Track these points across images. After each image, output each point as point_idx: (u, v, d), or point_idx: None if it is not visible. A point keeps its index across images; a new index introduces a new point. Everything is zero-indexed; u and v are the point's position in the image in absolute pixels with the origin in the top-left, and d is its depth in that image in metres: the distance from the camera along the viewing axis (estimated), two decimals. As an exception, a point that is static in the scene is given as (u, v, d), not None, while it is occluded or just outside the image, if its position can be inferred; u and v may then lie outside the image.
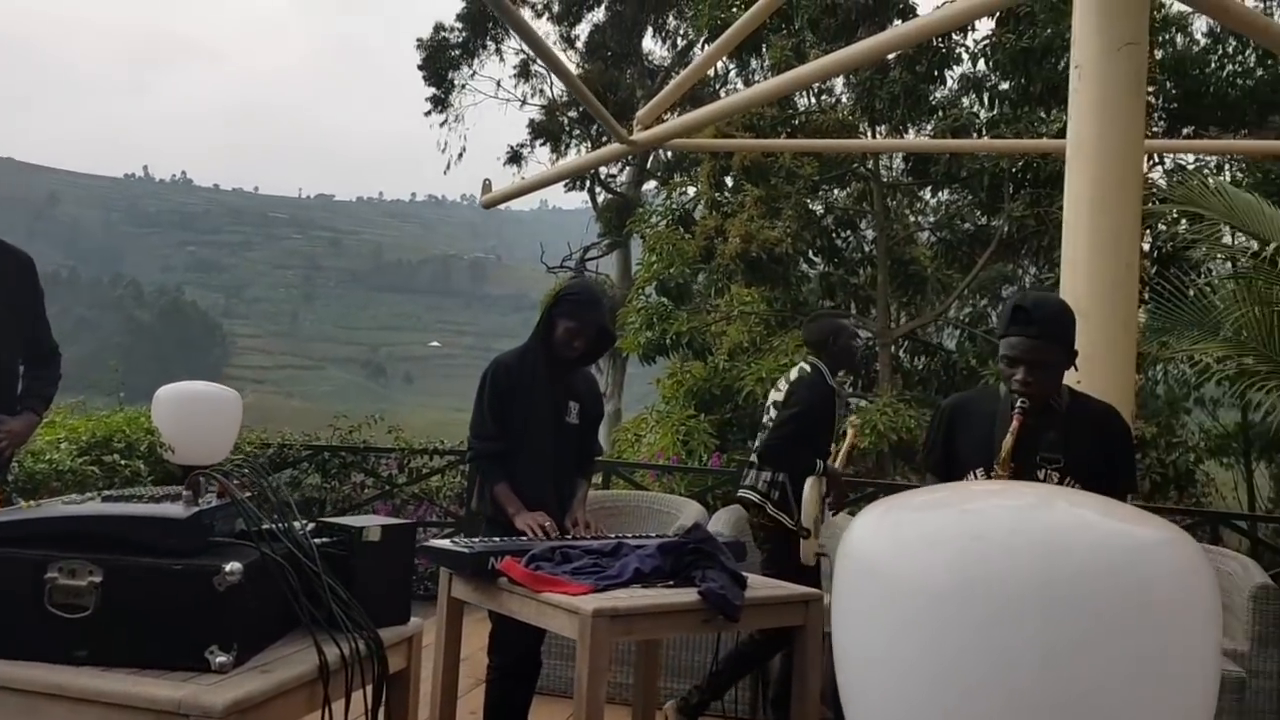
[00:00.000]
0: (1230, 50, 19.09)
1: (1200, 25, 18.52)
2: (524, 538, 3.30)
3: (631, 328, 11.06)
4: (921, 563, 0.95)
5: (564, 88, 22.92)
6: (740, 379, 9.72)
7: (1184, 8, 17.36)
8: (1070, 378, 3.33)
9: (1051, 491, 1.06)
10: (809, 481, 4.15)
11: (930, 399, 10.28)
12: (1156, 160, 12.74)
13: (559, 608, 2.73)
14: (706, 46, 13.26)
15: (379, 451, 7.65)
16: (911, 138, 11.33)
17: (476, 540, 3.23)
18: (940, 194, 12.69)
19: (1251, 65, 18.62)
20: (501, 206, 8.71)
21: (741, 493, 4.37)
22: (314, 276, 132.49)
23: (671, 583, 2.94)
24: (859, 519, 1.06)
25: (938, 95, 11.43)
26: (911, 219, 13.04)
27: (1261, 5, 23.91)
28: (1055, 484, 2.61)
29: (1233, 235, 8.42)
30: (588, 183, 24.29)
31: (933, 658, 0.93)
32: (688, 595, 2.83)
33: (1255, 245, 7.11)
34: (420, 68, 24.88)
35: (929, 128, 11.28)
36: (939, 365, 11.52)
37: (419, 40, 24.69)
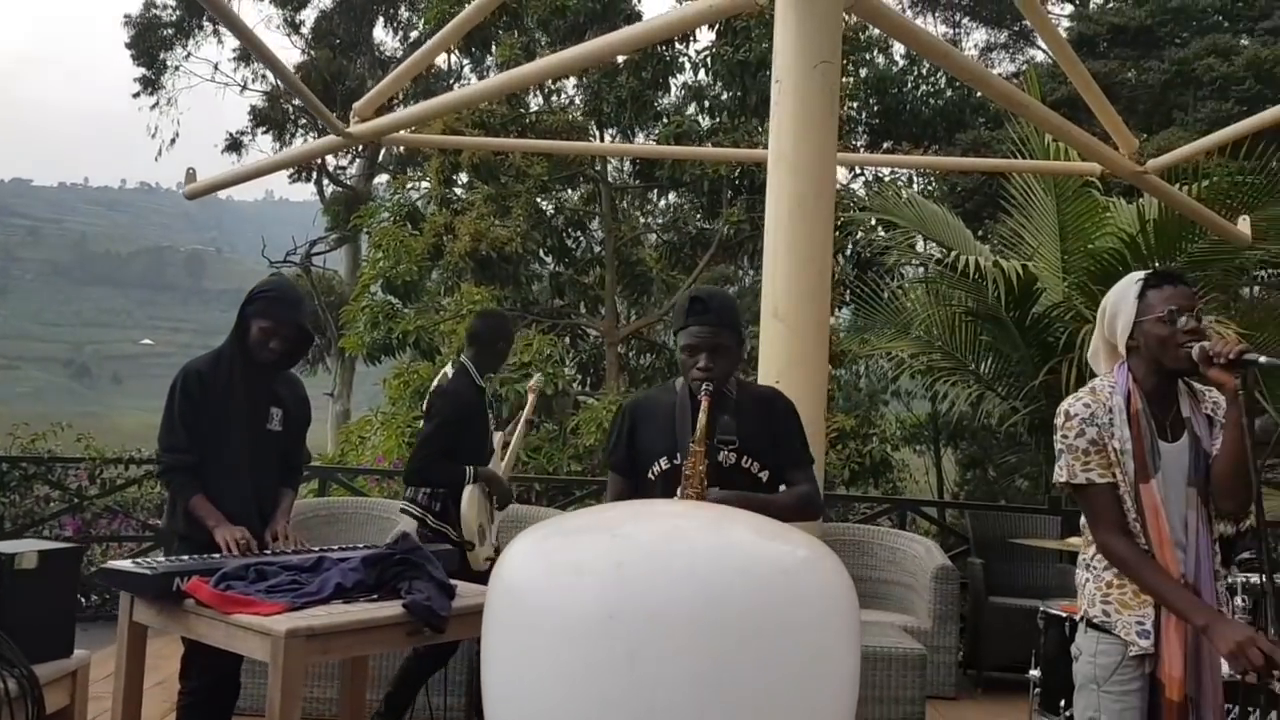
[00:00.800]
0: (924, 71, 20.81)
1: (899, 48, 20.04)
2: (217, 555, 3.09)
3: (355, 327, 10.71)
4: (569, 591, 0.93)
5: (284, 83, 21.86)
6: (471, 379, 9.61)
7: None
8: (769, 379, 3.50)
9: (703, 512, 1.07)
10: (465, 493, 4.14)
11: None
12: (859, 172, 13.72)
13: (249, 629, 2.57)
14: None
15: (65, 461, 7.01)
16: (641, 142, 11.63)
17: (162, 559, 2.99)
18: (668, 197, 13.11)
19: (942, 86, 20.35)
20: (222, 196, 8.33)
21: (402, 507, 4.32)
22: (9, 268, 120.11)
23: (375, 596, 2.84)
24: (513, 545, 1.03)
25: (664, 102, 11.78)
26: (643, 220, 13.37)
27: (951, 32, 26.19)
28: (733, 463, 2.76)
29: (924, 243, 9.19)
30: (315, 174, 23.33)
31: (579, 692, 0.91)
32: (391, 609, 2.75)
33: (939, 252, 7.80)
34: (128, 46, 23.05)
35: (654, 133, 11.62)
36: (663, 363, 11.87)
37: (127, 17, 22.86)
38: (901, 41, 3.94)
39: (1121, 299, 2.66)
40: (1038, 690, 4.29)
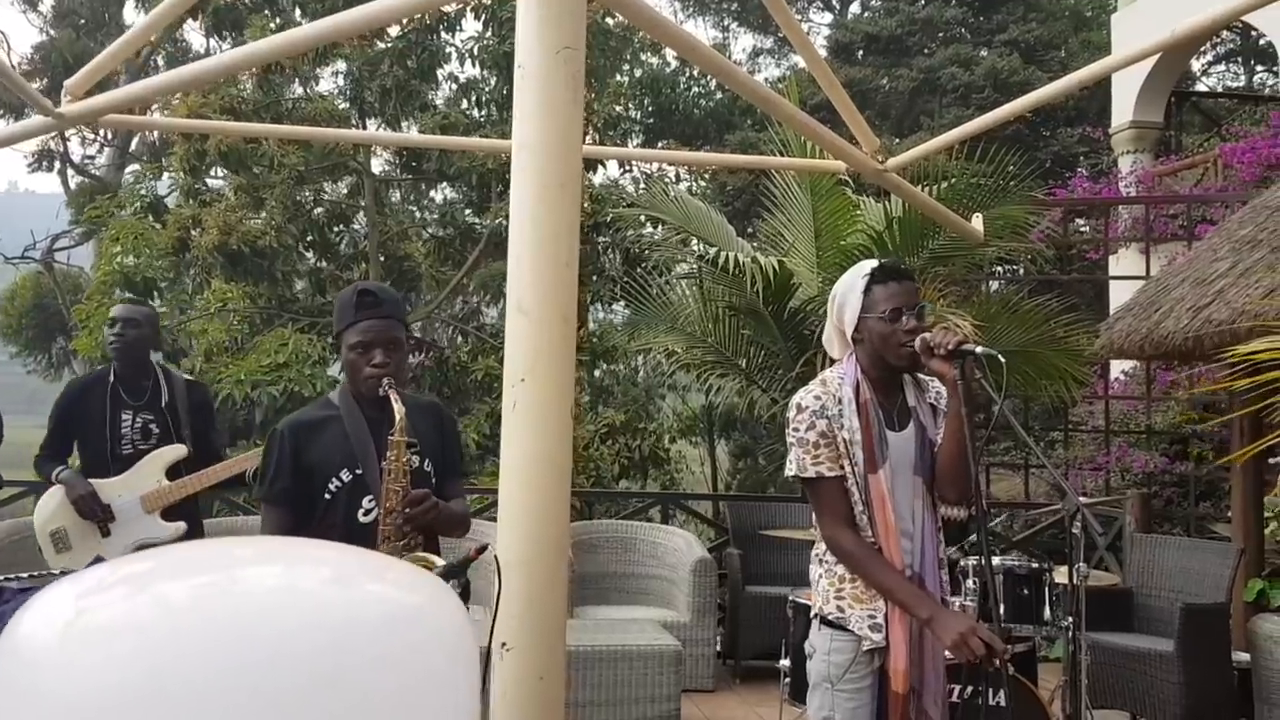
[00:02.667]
0: (695, 73, 21.33)
1: (671, 49, 20.43)
2: None
3: (89, 327, 9.87)
4: (82, 667, 0.75)
5: (22, 54, 20.10)
6: (218, 381, 9.05)
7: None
8: (516, 375, 3.35)
9: (270, 549, 0.91)
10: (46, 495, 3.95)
11: (424, 396, 10.30)
12: (629, 168, 13.83)
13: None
14: (191, 20, 12.23)
15: None
16: (412, 134, 11.27)
17: None
18: (439, 192, 12.80)
19: (713, 89, 20.90)
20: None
21: None
22: None
23: None
24: (33, 604, 0.83)
25: (436, 95, 11.48)
26: (418, 214, 13.00)
27: (721, 36, 26.89)
28: (416, 466, 2.68)
29: (696, 242, 9.34)
30: (58, 163, 21.46)
31: None
32: None
33: (702, 249, 7.92)
34: None
35: (422, 125, 11.29)
36: (433, 362, 11.57)
37: None
38: (648, 31, 3.89)
39: (849, 291, 2.68)
40: (787, 680, 4.37)
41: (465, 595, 2.27)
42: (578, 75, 3.64)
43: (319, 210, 11.31)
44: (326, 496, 2.65)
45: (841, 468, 2.57)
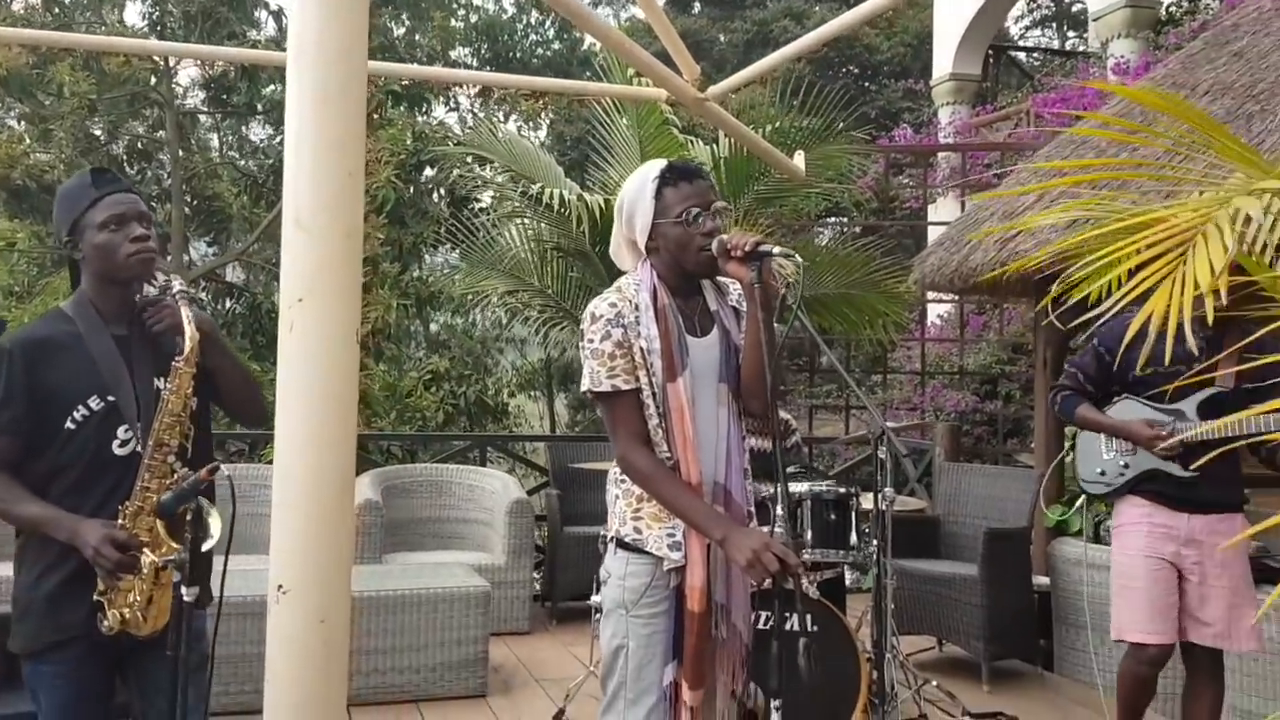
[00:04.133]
0: (533, 21, 20.93)
1: (509, -6, 20.00)
2: None
3: None
4: None
5: None
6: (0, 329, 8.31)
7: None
8: (293, 295, 3.07)
9: None
10: None
11: (236, 344, 9.76)
12: (453, 106, 13.42)
13: None
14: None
15: None
16: (221, 66, 10.54)
17: None
18: (262, 127, 12.09)
19: (550, 37, 20.56)
20: None
21: None
22: None
23: None
24: None
25: (258, 33, 10.80)
26: (231, 154, 12.25)
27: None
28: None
29: (516, 180, 9.10)
30: None
31: None
32: None
33: (534, 189, 7.71)
34: None
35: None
36: (245, 307, 10.99)
37: None
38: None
39: (638, 198, 2.50)
40: (599, 616, 4.27)
41: (199, 522, 2.02)
42: (362, -25, 3.36)
43: (116, 146, 10.51)
44: (70, 426, 2.32)
45: (638, 379, 2.41)
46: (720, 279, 2.59)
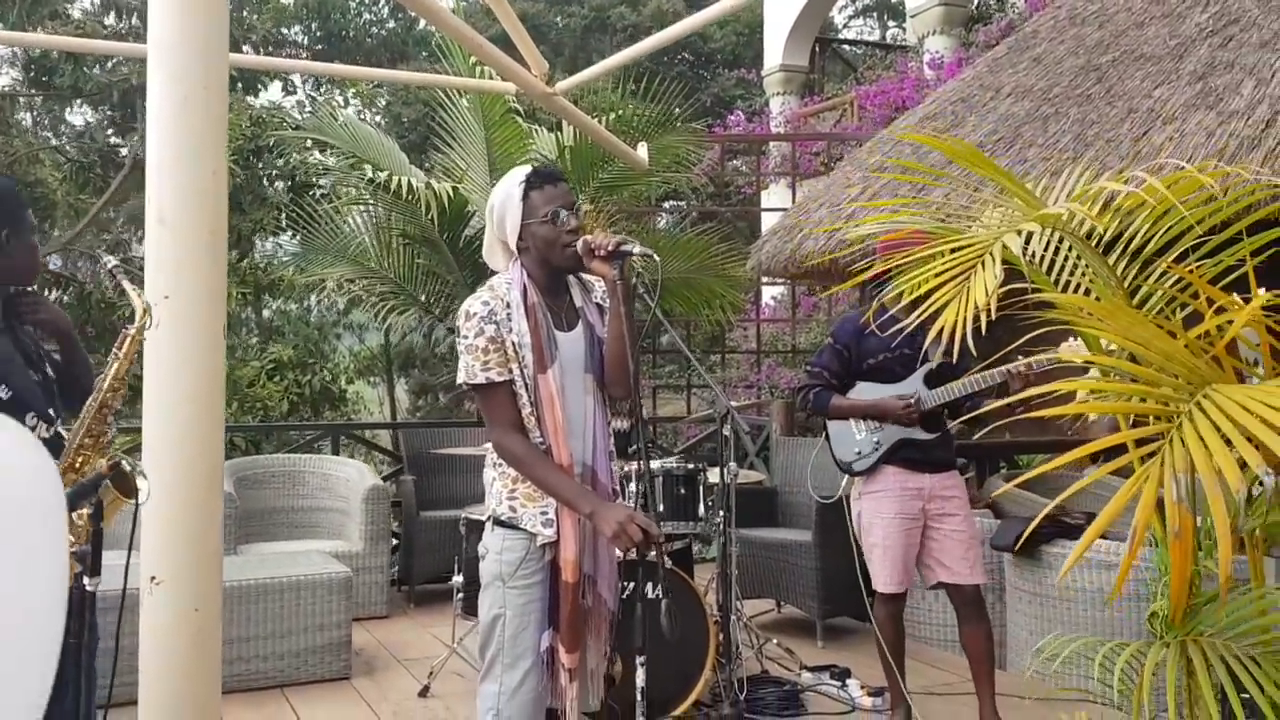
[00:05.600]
0: (368, 2, 20.53)
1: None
2: None
3: None
4: None
5: None
6: None
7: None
8: (159, 293, 3.16)
9: None
10: None
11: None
12: (291, 89, 13.16)
13: None
14: None
15: None
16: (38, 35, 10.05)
17: None
18: (78, 114, 11.57)
19: (385, 16, 20.19)
20: None
21: None
22: None
23: None
24: None
25: (74, 6, 10.32)
26: (52, 140, 11.67)
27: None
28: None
29: (359, 165, 9.04)
30: None
31: None
32: None
33: (378, 175, 7.72)
34: None
35: (50, 32, 10.13)
36: (73, 298, 10.56)
37: None
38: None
39: (506, 200, 2.70)
40: (460, 596, 4.46)
41: (98, 516, 2.12)
42: (220, -31, 3.41)
43: (-76, 128, 9.92)
44: None
45: (510, 371, 2.61)
46: (585, 276, 2.81)
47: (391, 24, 20.10)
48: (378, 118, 15.32)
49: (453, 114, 8.23)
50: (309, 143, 10.35)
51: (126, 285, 2.46)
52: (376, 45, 18.67)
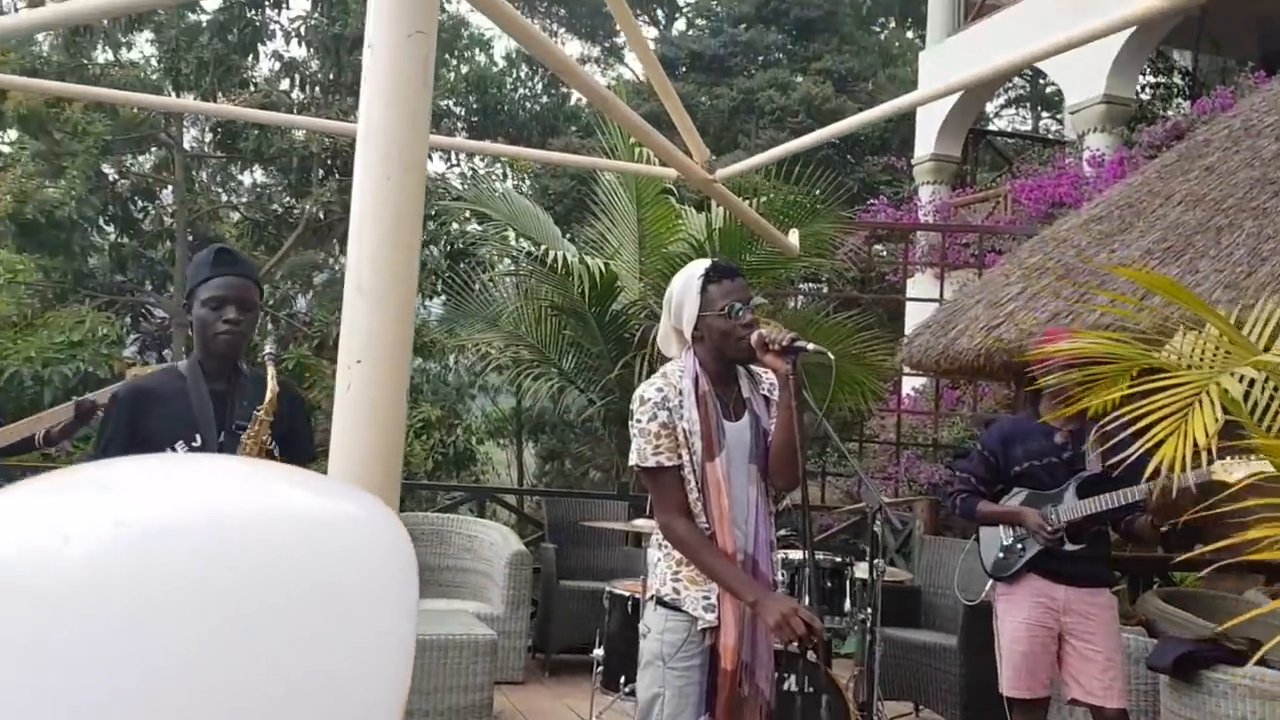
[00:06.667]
0: (523, 75, 21.34)
1: (500, 49, 20.39)
2: None
3: None
4: (45, 556, 0.77)
5: None
6: (4, 357, 8.44)
7: (489, 28, 18.74)
8: (351, 357, 3.32)
9: (229, 464, 0.94)
10: None
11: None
12: (455, 162, 13.75)
13: None
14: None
15: None
16: (240, 108, 10.82)
17: None
18: (253, 173, 12.34)
19: (539, 91, 20.95)
20: None
21: None
22: None
23: None
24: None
25: (256, 71, 11.08)
26: (223, 196, 12.46)
27: (550, 26, 27.02)
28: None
29: (516, 238, 9.38)
30: None
31: (63, 670, 0.75)
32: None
33: (530, 246, 7.99)
34: None
35: (240, 101, 10.88)
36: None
37: None
38: (499, 24, 3.92)
39: (685, 292, 2.80)
40: (600, 669, 4.50)
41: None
42: (428, 60, 3.65)
43: (123, 183, 10.71)
44: None
45: (680, 457, 2.69)
46: (754, 367, 2.89)
47: (545, 99, 20.81)
48: (525, 185, 15.83)
49: (604, 189, 8.48)
50: (467, 212, 10.79)
51: (270, 373, 2.63)
52: (529, 119, 19.31)
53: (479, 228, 10.37)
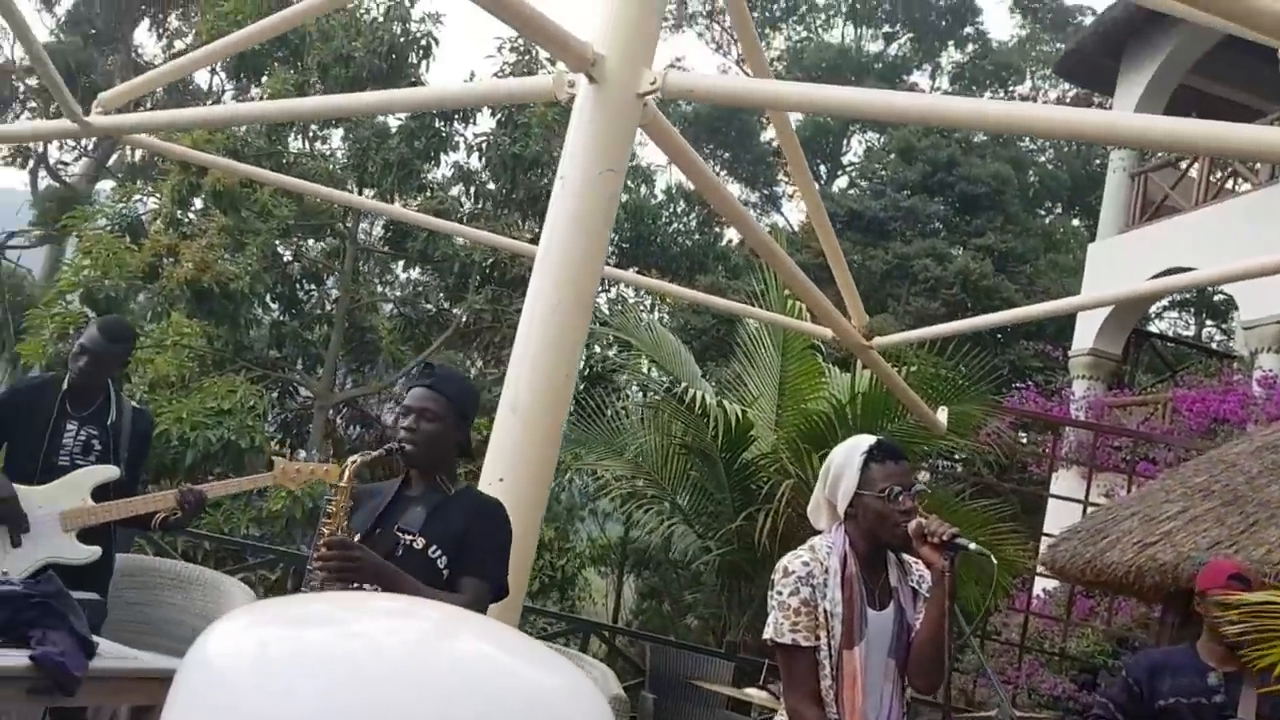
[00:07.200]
0: (679, 210, 21.86)
1: (661, 182, 21.00)
2: None
3: (40, 334, 9.60)
4: (288, 691, 0.76)
5: (11, 44, 20.15)
6: (159, 415, 8.81)
7: (656, 159, 19.33)
8: (495, 473, 3.35)
9: (453, 617, 0.92)
10: None
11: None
12: (605, 287, 13.97)
13: None
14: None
15: None
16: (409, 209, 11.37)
17: None
18: (411, 271, 12.83)
19: (693, 228, 21.41)
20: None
21: None
22: None
23: (0, 640, 2.42)
24: (219, 625, 0.85)
25: (432, 176, 11.63)
26: (380, 288, 12.97)
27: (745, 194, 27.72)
28: (417, 547, 2.71)
29: (653, 369, 9.42)
30: (33, 162, 21.33)
31: None
32: (16, 658, 2.34)
33: (667, 381, 8.00)
34: None
35: (415, 203, 11.40)
36: (373, 438, 11.41)
37: None
38: (680, 166, 4.01)
39: (845, 465, 2.71)
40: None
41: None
42: (614, 197, 3.74)
43: (295, 265, 11.27)
44: None
45: (818, 638, 2.56)
46: (905, 556, 2.75)
47: (697, 236, 21.20)
48: (664, 316, 15.99)
49: (748, 333, 8.46)
50: (610, 337, 10.93)
51: (352, 462, 2.72)
52: (679, 254, 19.60)
53: (619, 354, 10.47)
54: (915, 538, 2.55)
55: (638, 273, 17.46)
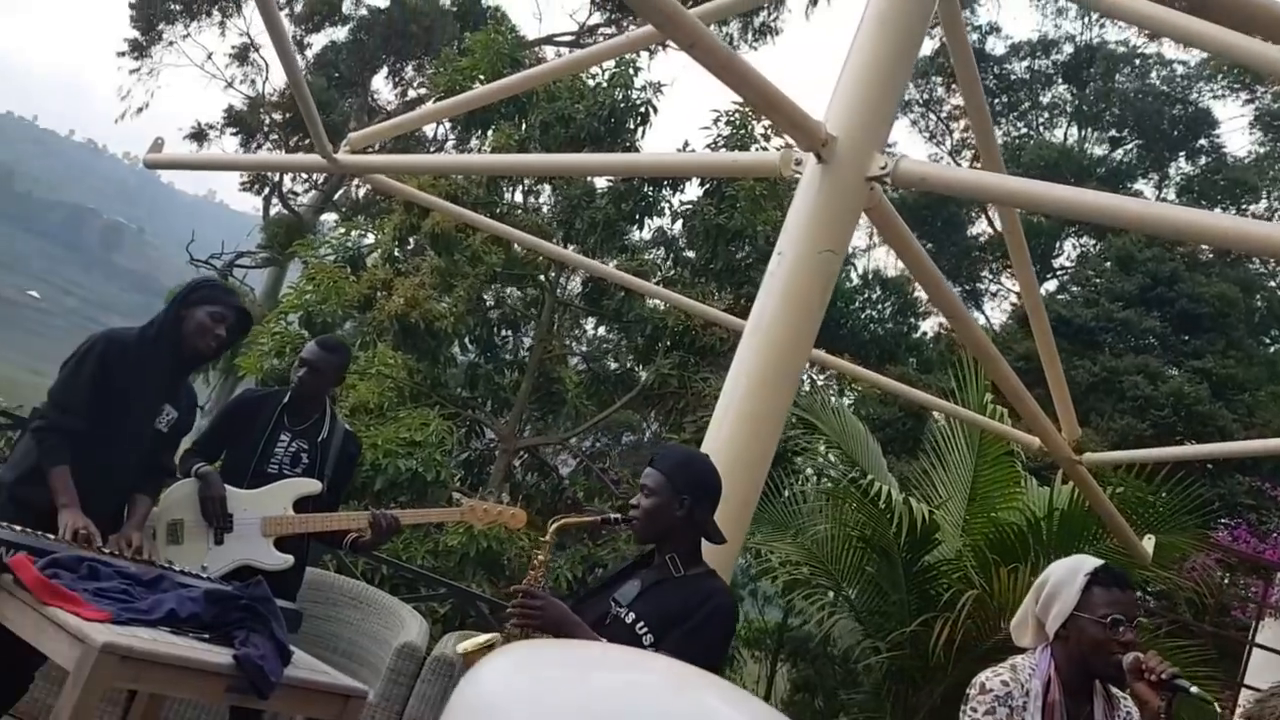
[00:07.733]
0: (874, 298, 21.54)
1: (859, 265, 20.80)
2: (51, 537, 2.76)
3: (260, 348, 10.28)
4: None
5: (275, 87, 21.88)
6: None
7: (857, 242, 19.16)
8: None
9: (679, 670, 0.92)
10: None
11: (530, 517, 10.30)
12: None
13: (63, 629, 2.24)
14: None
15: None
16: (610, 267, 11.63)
17: (-8, 522, 2.66)
18: (600, 329, 13.09)
19: (886, 316, 21.04)
20: (165, 179, 7.96)
21: None
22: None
23: (207, 636, 2.53)
24: (492, 659, 0.85)
25: (633, 238, 11.88)
26: (570, 343, 13.29)
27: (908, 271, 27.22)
28: (625, 620, 2.68)
29: (833, 454, 9.21)
30: (268, 190, 23.04)
31: None
32: (220, 655, 2.44)
33: (850, 469, 7.79)
34: (132, 7, 22.88)
35: (614, 263, 11.64)
36: (549, 487, 11.59)
37: (141, -23, 22.78)
38: (897, 253, 3.94)
39: (1064, 584, 2.56)
40: None
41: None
42: (831, 279, 3.68)
43: (495, 312, 11.68)
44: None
45: (1008, 763, 2.40)
46: (1114, 690, 2.57)
47: (889, 324, 20.81)
48: (848, 400, 15.67)
49: (939, 431, 8.17)
50: (794, 418, 10.76)
51: (556, 521, 2.77)
52: (870, 341, 19.26)
53: (802, 434, 10.31)
54: (1131, 672, 2.38)
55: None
